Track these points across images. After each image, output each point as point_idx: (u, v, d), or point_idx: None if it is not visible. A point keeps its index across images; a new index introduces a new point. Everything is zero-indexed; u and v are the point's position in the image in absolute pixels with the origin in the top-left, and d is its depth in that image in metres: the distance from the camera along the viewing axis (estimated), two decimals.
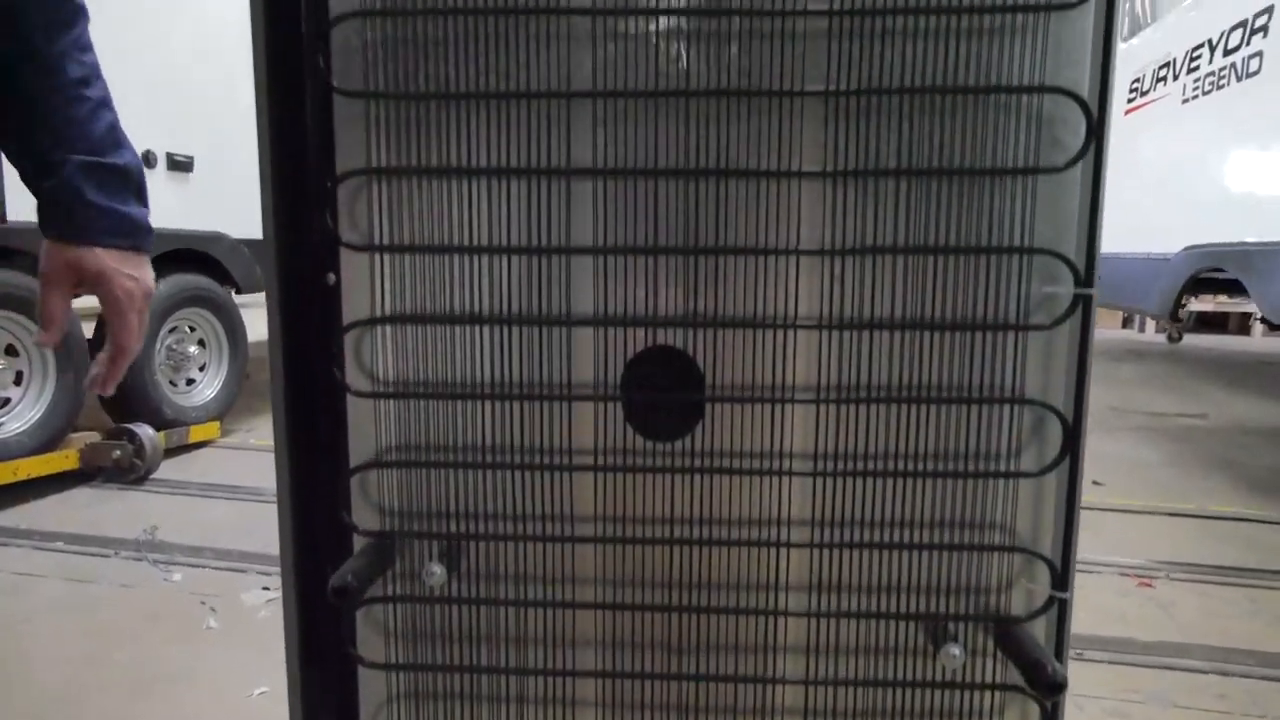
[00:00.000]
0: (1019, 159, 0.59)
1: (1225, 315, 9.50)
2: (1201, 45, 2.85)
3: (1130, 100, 3.48)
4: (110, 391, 0.76)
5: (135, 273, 0.76)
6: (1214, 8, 2.79)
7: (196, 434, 3.40)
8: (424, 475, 0.61)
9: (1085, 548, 2.46)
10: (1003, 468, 0.61)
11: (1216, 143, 2.75)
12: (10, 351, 2.72)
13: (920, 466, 0.61)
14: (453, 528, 0.62)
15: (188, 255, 3.34)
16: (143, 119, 3.14)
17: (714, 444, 0.61)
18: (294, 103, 0.59)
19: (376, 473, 0.61)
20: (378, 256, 0.60)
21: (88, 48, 0.76)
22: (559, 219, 0.59)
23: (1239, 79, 2.59)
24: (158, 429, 3.08)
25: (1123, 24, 3.61)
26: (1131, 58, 3.47)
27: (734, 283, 0.59)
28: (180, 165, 3.30)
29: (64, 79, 0.72)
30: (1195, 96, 2.90)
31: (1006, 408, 0.60)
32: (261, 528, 2.44)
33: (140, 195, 0.77)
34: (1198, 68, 2.87)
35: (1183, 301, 2.98)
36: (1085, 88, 0.57)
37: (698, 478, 0.61)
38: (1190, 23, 2.98)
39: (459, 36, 0.58)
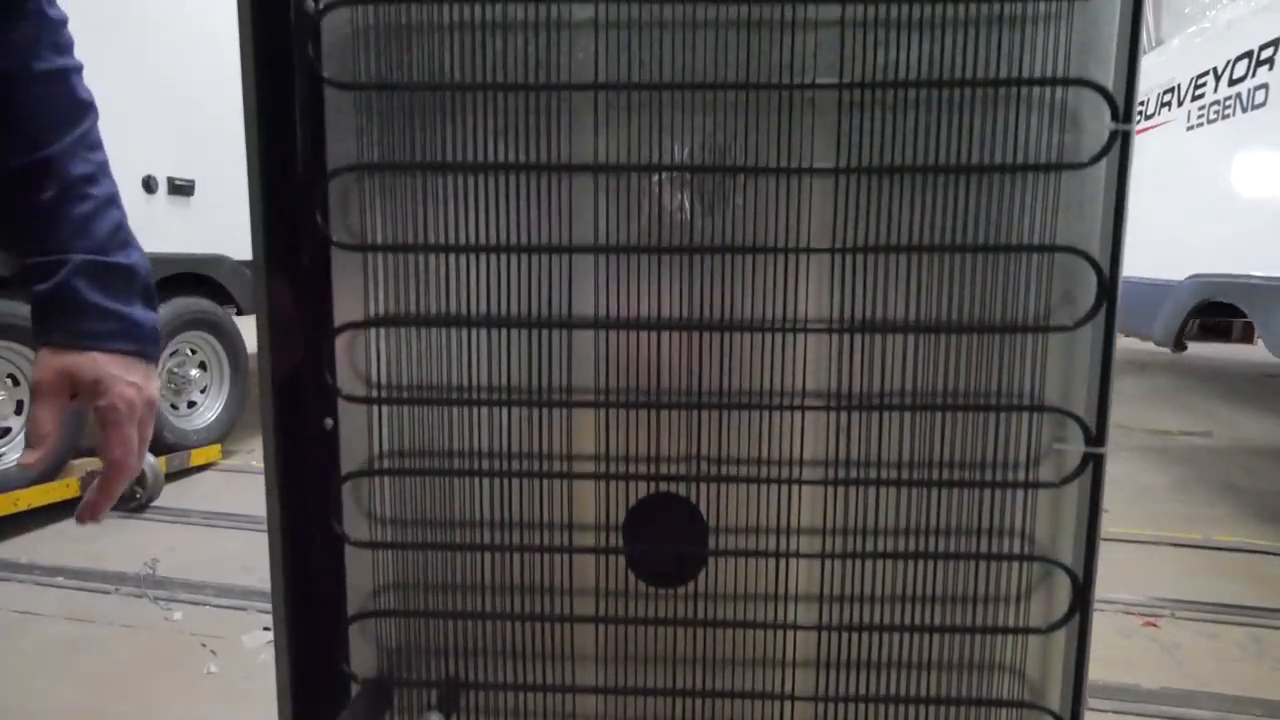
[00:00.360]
0: (1040, 156, 0.58)
1: (1229, 323, 9.47)
2: (1206, 73, 2.83)
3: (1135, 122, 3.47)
4: (101, 519, 0.72)
5: (138, 381, 0.70)
6: (1219, 37, 2.78)
7: (198, 457, 3.39)
8: (422, 623, 0.60)
9: None
10: (1022, 477, 0.60)
11: (1222, 172, 2.73)
12: (13, 381, 2.72)
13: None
14: (451, 669, 0.61)
15: (189, 278, 3.33)
16: (145, 144, 3.14)
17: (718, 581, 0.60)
18: (284, 100, 0.58)
19: (374, 621, 0.60)
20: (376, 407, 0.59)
21: (96, 145, 0.73)
22: (560, 365, 0.58)
23: (1244, 110, 2.58)
24: (158, 454, 3.07)
25: None
26: None
27: (736, 425, 0.58)
28: (181, 189, 3.30)
29: (68, 177, 0.69)
30: (1200, 124, 2.88)
31: (1026, 416, 0.59)
32: (262, 562, 2.43)
33: (147, 297, 0.73)
34: (1202, 95, 2.86)
35: (1187, 331, 2.96)
36: (1110, 81, 0.56)
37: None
38: (1195, 49, 2.97)
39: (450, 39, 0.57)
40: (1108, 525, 3.04)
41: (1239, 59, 2.61)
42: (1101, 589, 2.39)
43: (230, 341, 3.59)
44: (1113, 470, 3.67)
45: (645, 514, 0.58)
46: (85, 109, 0.72)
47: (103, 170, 0.72)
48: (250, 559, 2.49)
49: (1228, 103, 2.67)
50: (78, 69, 0.70)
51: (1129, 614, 2.24)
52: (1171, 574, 2.53)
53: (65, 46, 0.70)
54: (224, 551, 2.56)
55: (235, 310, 3.65)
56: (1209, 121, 2.81)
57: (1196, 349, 8.83)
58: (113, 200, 0.72)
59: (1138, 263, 3.30)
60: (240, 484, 3.28)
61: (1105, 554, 2.44)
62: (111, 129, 0.75)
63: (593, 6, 0.55)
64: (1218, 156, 2.77)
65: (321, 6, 0.57)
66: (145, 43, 3.13)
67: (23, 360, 2.71)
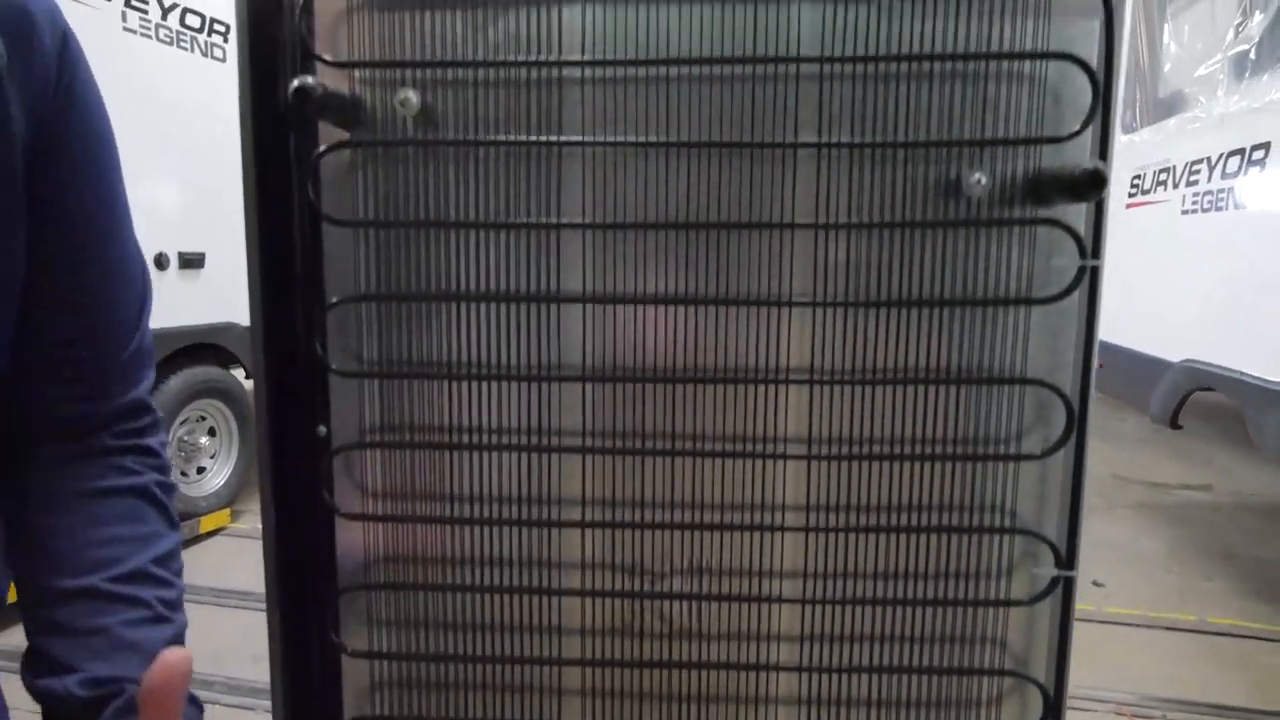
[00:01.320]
0: (1013, 290, 0.64)
1: None
2: (1201, 161, 2.87)
3: (1131, 195, 3.50)
4: None
5: None
6: (1214, 127, 2.81)
7: (207, 524, 3.45)
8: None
9: (1081, 678, 2.49)
10: (1008, 450, 0.65)
11: (1216, 265, 2.77)
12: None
13: (925, 450, 0.66)
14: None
15: (199, 345, 3.40)
16: (156, 223, 3.20)
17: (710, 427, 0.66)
18: (284, 231, 0.64)
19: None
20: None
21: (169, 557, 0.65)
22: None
23: (1236, 207, 2.61)
24: None
25: (1127, 113, 3.63)
26: (1133, 152, 3.49)
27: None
28: (191, 263, 3.36)
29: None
30: (1194, 210, 2.92)
31: (1011, 391, 0.64)
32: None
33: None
34: (1196, 182, 2.89)
35: (1181, 411, 3.00)
36: (1092, 58, 0.60)
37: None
38: (1191, 134, 3.01)
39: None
40: (1100, 603, 3.08)
41: (1231, 154, 2.65)
42: (1093, 685, 2.43)
43: (238, 405, 3.65)
44: (1109, 531, 3.70)
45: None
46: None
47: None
48: (259, 645, 2.55)
49: (1220, 195, 2.71)
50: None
51: (1119, 716, 2.28)
52: (1166, 664, 2.56)
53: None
54: (233, 638, 2.62)
55: (243, 373, 3.72)
56: (1202, 210, 2.85)
57: None
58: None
59: (1135, 334, 3.33)
60: (250, 552, 3.33)
61: (1097, 643, 2.48)
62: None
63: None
64: (1211, 247, 2.80)
65: (322, 150, 0.64)
66: (150, 123, 3.19)
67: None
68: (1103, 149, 0.63)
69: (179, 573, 0.65)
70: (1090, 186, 0.58)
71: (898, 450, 0.65)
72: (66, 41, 0.58)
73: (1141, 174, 3.41)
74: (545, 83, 0.64)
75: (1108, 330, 4.47)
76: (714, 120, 0.64)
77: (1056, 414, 0.65)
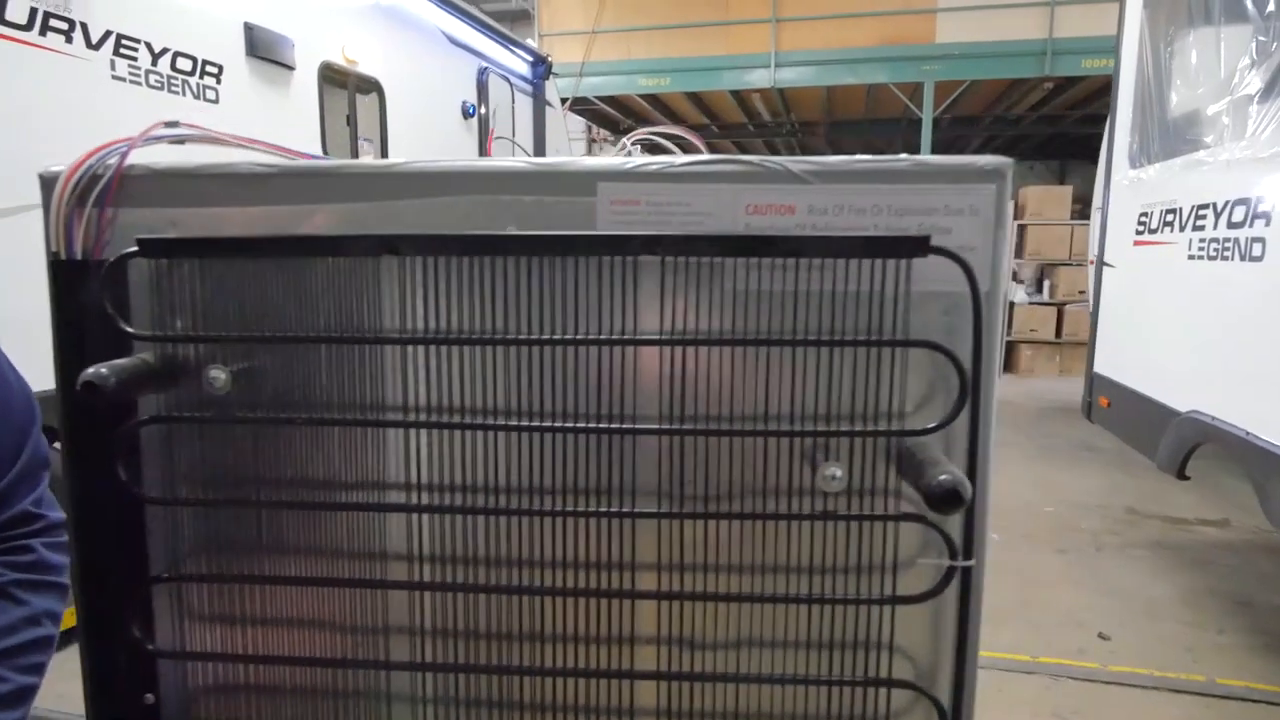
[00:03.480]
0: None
1: None
2: (1207, 206, 2.74)
3: (1139, 233, 3.37)
4: None
5: None
6: (1220, 172, 2.69)
7: None
8: None
9: None
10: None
11: (1222, 316, 2.65)
12: None
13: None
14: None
15: None
16: None
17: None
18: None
19: None
20: None
21: None
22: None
23: (1242, 258, 2.49)
24: None
25: (1134, 144, 3.50)
26: (1141, 188, 3.36)
27: None
28: None
29: None
30: (1200, 257, 2.79)
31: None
32: None
33: None
34: (1203, 228, 2.77)
35: (1189, 462, 2.88)
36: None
37: None
38: (1197, 176, 2.88)
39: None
40: (1105, 659, 2.97)
41: (1236, 203, 2.52)
42: None
43: None
44: (1121, 577, 3.59)
45: None
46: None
47: None
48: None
49: (1226, 244, 2.58)
50: None
51: None
52: None
53: None
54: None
55: None
56: (1209, 257, 2.72)
57: None
58: None
59: (1141, 377, 3.21)
60: None
61: (1099, 700, 2.38)
62: None
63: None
64: (1217, 298, 2.68)
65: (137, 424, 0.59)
66: None
67: None
68: (972, 442, 0.56)
69: (24, 667, 0.68)
70: (944, 505, 0.52)
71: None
72: None
73: (1149, 212, 3.28)
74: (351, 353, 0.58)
75: (1114, 368, 4.32)
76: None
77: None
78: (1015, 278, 10.47)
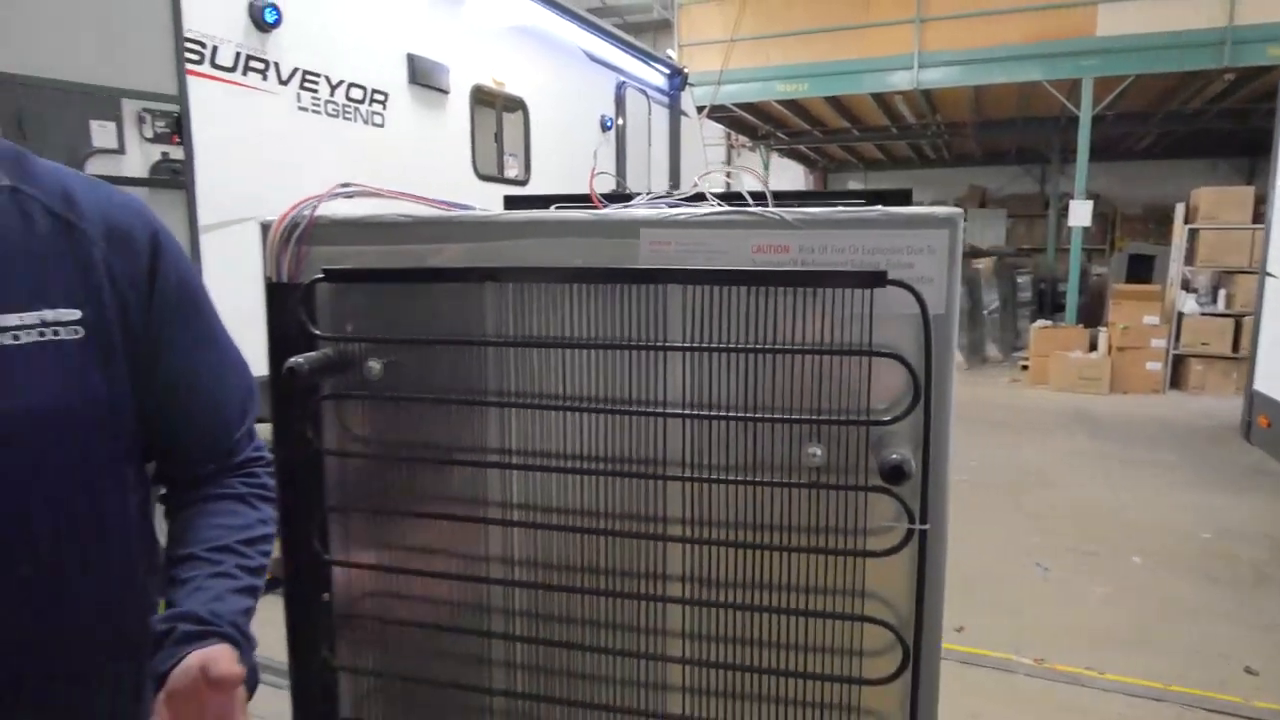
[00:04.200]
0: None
1: None
2: None
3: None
4: None
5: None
6: None
7: None
8: None
9: None
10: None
11: None
12: None
13: None
14: None
15: None
16: None
17: None
18: None
19: None
20: None
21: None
22: None
23: None
24: None
25: None
26: None
27: None
28: None
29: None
30: None
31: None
32: None
33: None
34: None
35: None
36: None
37: None
38: None
39: None
40: (1250, 694, 2.80)
41: None
42: None
43: None
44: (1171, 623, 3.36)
45: None
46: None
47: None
48: None
49: None
50: None
51: None
52: None
53: None
54: None
55: None
56: None
57: None
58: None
59: None
60: None
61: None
62: None
63: None
64: None
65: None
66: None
67: None
68: (926, 430, 0.72)
69: (263, 552, 1.00)
70: (892, 477, 0.68)
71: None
72: (158, 241, 0.93)
73: None
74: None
75: (1273, 385, 3.98)
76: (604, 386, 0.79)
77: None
78: (1187, 287, 9.66)
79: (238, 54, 4.09)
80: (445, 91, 5.62)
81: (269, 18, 4.19)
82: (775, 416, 0.74)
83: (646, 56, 8.82)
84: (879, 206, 0.73)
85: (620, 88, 8.07)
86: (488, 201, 4.16)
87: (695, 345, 0.76)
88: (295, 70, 4.43)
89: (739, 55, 13.03)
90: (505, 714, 0.89)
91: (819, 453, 0.73)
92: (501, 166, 6.51)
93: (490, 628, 0.87)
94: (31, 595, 0.82)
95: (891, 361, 0.72)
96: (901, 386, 0.73)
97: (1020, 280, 12.99)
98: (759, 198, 0.77)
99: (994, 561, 4.34)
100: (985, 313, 11.97)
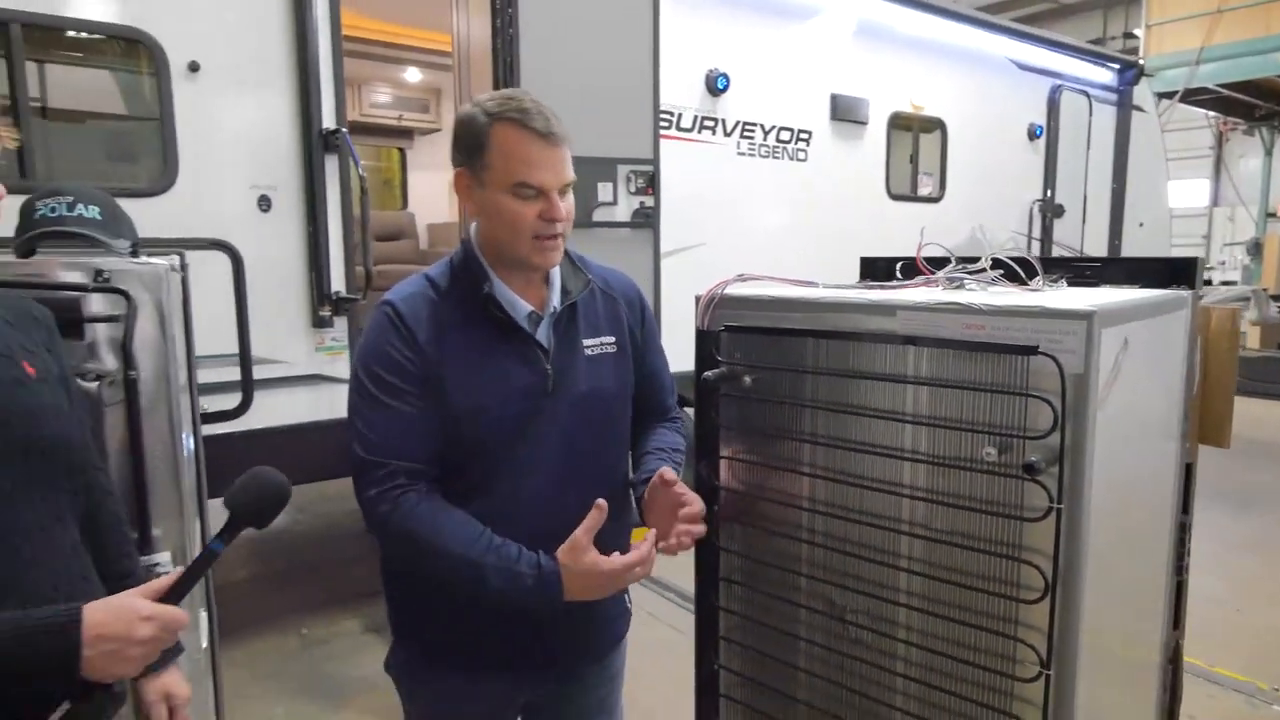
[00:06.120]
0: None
1: None
2: None
3: None
4: None
5: None
6: None
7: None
8: None
9: None
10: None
11: None
12: None
13: None
14: None
15: None
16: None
17: None
18: None
19: None
20: None
21: None
22: None
23: None
24: None
25: None
26: None
27: None
28: None
29: None
30: None
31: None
32: None
33: None
34: None
35: None
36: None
37: None
38: None
39: None
40: None
41: None
42: None
43: None
44: None
45: None
46: None
47: None
48: None
49: None
50: None
51: None
52: None
53: None
54: None
55: None
56: None
57: None
58: None
59: None
60: None
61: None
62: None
63: None
64: None
65: (719, 396, 1.57)
66: (741, 219, 4.62)
67: None
68: (1061, 443, 1.15)
69: (680, 456, 1.82)
70: (1027, 473, 1.15)
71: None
72: (642, 298, 1.85)
73: None
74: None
75: None
76: None
77: None
78: None
79: (695, 117, 5.22)
80: (864, 123, 6.20)
81: (720, 85, 5.25)
82: (974, 428, 1.24)
83: (1089, 55, 8.25)
84: (1046, 304, 1.18)
85: (1054, 91, 7.75)
86: (899, 220, 4.91)
87: (931, 380, 1.29)
88: (736, 123, 5.44)
89: (1228, 27, 11.14)
90: (808, 593, 1.51)
91: (993, 452, 1.21)
92: (915, 186, 6.86)
93: (800, 540, 1.51)
94: (595, 494, 1.68)
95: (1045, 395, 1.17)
96: (1051, 415, 1.17)
97: None
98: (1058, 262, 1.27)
99: None
100: None
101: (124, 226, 1.93)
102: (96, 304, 1.71)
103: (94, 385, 1.72)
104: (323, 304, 3.88)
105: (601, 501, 1.49)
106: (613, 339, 1.74)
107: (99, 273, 1.72)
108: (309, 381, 3.94)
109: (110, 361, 1.76)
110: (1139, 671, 1.63)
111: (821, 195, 5.94)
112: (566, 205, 1.59)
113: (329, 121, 3.78)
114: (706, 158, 5.32)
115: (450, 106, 9.96)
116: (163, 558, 1.83)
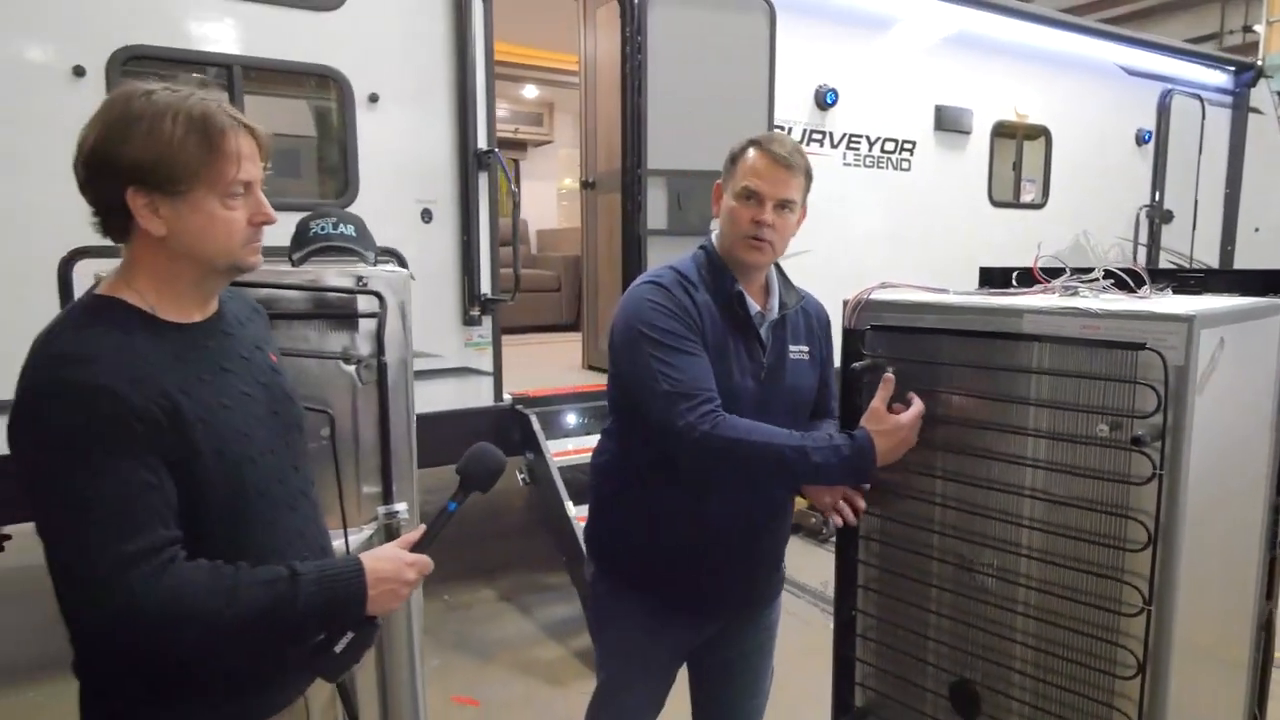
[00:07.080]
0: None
1: None
2: None
3: None
4: None
5: None
6: None
7: None
8: None
9: None
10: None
11: None
12: None
13: None
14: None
15: None
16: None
17: None
18: None
19: None
20: None
21: None
22: None
23: None
24: None
25: None
26: None
27: None
28: None
29: None
30: None
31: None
32: None
33: None
34: None
35: None
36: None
37: None
38: None
39: None
40: None
41: None
42: None
43: None
44: None
45: None
46: None
47: None
48: None
49: None
50: None
51: None
52: None
53: None
54: None
55: None
56: None
57: None
58: None
59: None
60: None
61: None
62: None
63: None
64: None
65: (855, 369, 1.90)
66: (851, 224, 4.88)
67: None
68: (1164, 420, 1.44)
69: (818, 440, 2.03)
70: (1134, 445, 1.44)
71: None
72: (828, 321, 2.28)
73: None
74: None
75: None
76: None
77: None
78: None
79: (805, 130, 5.51)
80: (967, 132, 6.35)
81: (829, 100, 5.53)
82: (1091, 409, 1.53)
83: (1203, 58, 8.10)
84: (1149, 309, 1.47)
85: (1165, 96, 7.67)
86: (1000, 226, 5.20)
87: (1054, 370, 1.59)
88: (843, 135, 5.70)
89: None
90: (940, 549, 1.81)
91: (1105, 429, 1.49)
92: (1018, 193, 6.95)
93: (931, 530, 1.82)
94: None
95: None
96: (1155, 399, 1.46)
97: None
98: (1165, 273, 1.56)
99: None
100: None
101: (370, 240, 2.39)
102: (361, 303, 2.17)
103: (352, 369, 2.17)
104: (472, 304, 4.37)
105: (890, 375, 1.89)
106: (807, 349, 2.19)
107: (359, 278, 2.18)
108: (458, 374, 4.43)
109: (364, 349, 2.21)
110: (1233, 627, 1.87)
111: (924, 203, 6.13)
112: (781, 221, 2.02)
113: (483, 143, 4.27)
114: (815, 168, 5.60)
115: (562, 120, 10.55)
116: (401, 507, 2.26)
